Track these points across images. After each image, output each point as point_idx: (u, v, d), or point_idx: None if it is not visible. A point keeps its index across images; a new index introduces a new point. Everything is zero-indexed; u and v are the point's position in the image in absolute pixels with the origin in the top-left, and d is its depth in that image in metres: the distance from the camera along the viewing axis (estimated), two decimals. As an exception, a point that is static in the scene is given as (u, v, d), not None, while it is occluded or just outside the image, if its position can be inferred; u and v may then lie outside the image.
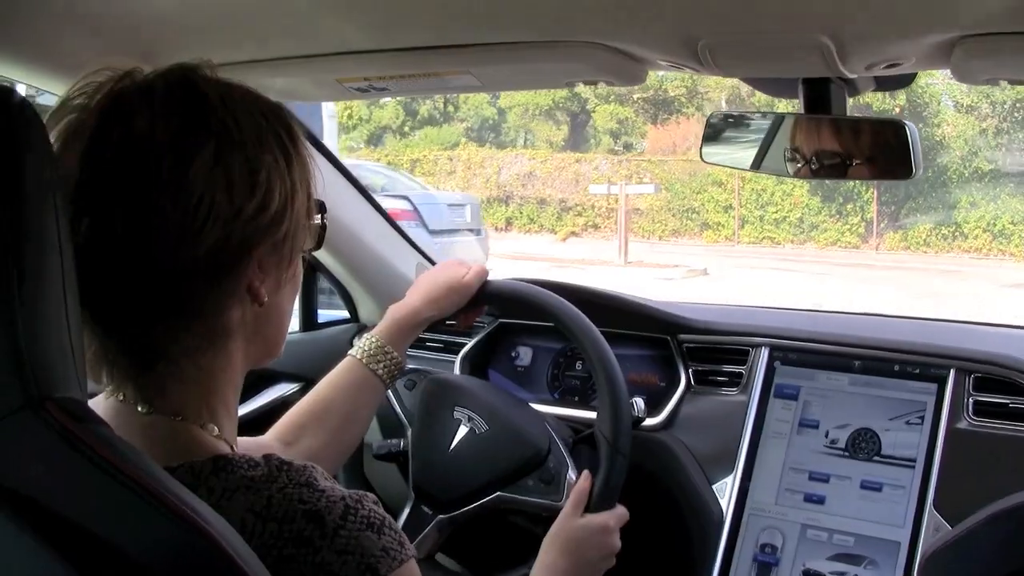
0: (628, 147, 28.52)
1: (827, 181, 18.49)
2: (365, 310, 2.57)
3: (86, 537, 0.86)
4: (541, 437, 1.84)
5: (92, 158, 1.04)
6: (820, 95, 1.56)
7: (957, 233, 22.15)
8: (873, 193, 22.59)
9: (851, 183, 21.09)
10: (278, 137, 1.12)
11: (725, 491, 2.00)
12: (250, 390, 2.34)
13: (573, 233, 24.48)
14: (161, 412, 1.09)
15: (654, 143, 27.43)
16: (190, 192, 1.03)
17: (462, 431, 1.86)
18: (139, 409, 1.09)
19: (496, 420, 1.85)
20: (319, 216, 1.26)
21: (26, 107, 0.92)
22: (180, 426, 1.09)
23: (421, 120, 30.67)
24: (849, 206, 22.99)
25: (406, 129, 30.45)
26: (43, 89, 1.64)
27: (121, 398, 1.10)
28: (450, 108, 30.88)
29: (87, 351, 1.06)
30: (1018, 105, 22.30)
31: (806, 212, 23.26)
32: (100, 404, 1.10)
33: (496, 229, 23.90)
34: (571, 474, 1.80)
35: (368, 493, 1.09)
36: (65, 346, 0.92)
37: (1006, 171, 22.47)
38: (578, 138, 28.99)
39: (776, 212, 23.40)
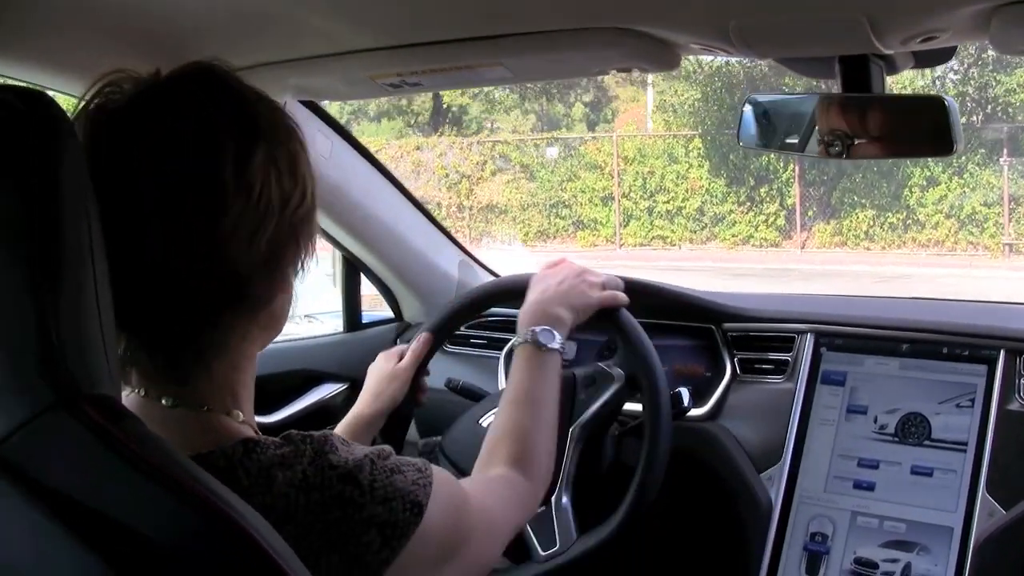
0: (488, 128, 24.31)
1: (731, 157, 18.53)
2: (409, 309, 2.58)
3: (121, 533, 0.86)
4: None
5: (144, 158, 1.05)
6: (858, 74, 1.53)
7: (910, 221, 17.78)
8: (794, 170, 18.30)
9: (764, 159, 18.13)
10: (296, 128, 1.17)
11: (774, 480, 1.98)
12: (296, 391, 2.37)
13: None
14: (187, 405, 1.11)
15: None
16: (252, 189, 1.07)
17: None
18: (163, 403, 1.10)
19: None
20: None
21: (58, 110, 0.93)
22: (207, 416, 1.11)
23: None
24: (763, 190, 18.63)
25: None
26: (63, 92, 1.65)
27: (143, 394, 1.12)
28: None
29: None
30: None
31: (707, 200, 19.05)
32: (123, 400, 1.11)
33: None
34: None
35: (384, 445, 1.16)
36: (98, 344, 0.93)
37: (977, 132, 17.67)
38: (440, 119, 24.59)
39: (668, 202, 19.23)
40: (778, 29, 1.39)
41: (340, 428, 1.84)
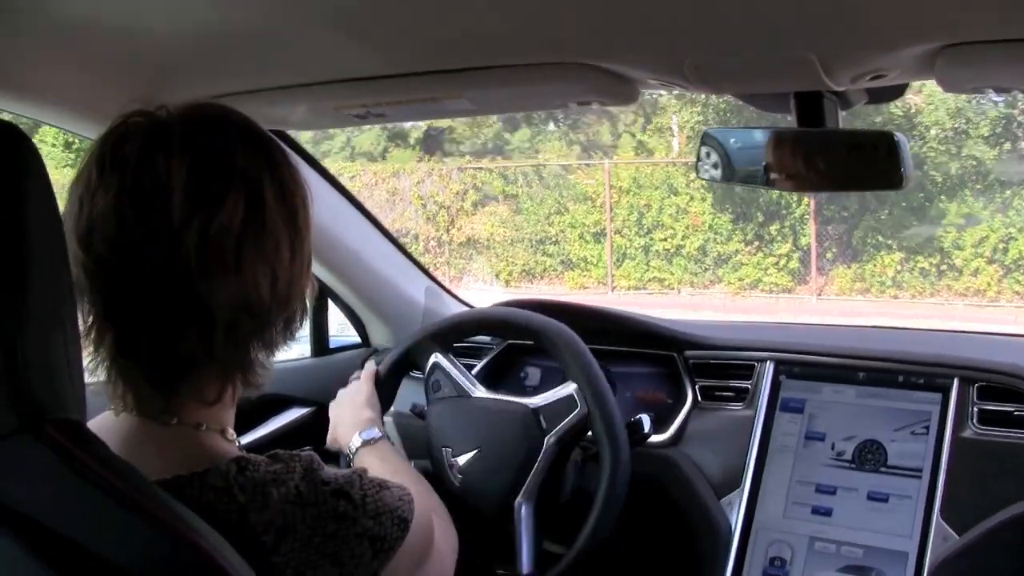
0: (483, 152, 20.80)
1: (738, 190, 15.17)
2: (376, 334, 2.59)
3: (85, 556, 0.87)
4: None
5: (191, 187, 1.08)
6: (812, 109, 1.57)
7: (944, 266, 14.76)
8: (809, 206, 15.69)
9: (774, 193, 14.02)
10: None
11: (733, 505, 2.00)
12: (264, 414, 2.37)
13: None
14: (183, 423, 1.13)
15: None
16: (266, 223, 1.12)
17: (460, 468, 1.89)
18: (158, 423, 1.13)
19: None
20: None
21: (25, 139, 0.94)
22: (203, 435, 1.15)
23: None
24: (774, 227, 15.94)
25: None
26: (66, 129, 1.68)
27: (134, 411, 1.14)
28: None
29: (107, 378, 1.12)
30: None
31: (711, 238, 16.29)
32: (108, 420, 1.13)
33: None
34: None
35: (362, 466, 1.25)
36: (63, 369, 0.94)
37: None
38: (433, 143, 21.69)
39: (666, 240, 16.47)
40: (732, 67, 1.42)
41: None
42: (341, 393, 1.91)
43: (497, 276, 17.78)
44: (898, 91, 1.60)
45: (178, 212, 1.06)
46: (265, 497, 1.07)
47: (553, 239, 17.62)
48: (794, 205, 15.75)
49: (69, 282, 0.96)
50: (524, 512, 1.82)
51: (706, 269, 16.47)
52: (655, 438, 2.06)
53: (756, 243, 16.11)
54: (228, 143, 1.13)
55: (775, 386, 2.08)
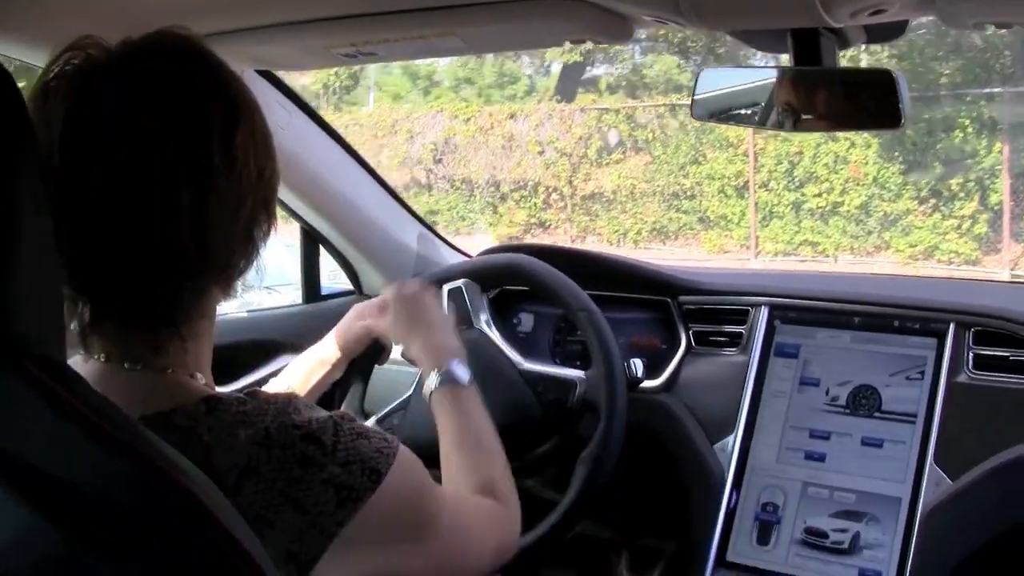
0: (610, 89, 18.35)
1: (910, 133, 12.83)
2: (368, 281, 2.58)
3: (66, 493, 0.86)
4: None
5: (121, 129, 1.05)
6: (809, 47, 1.54)
7: None
8: (1002, 153, 12.59)
9: (956, 138, 12.73)
10: (258, 103, 1.17)
11: (726, 451, 2.00)
12: (255, 362, 2.36)
13: (512, 237, 15.96)
14: (151, 368, 1.12)
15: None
16: (235, 164, 1.09)
17: None
18: (125, 366, 1.11)
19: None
20: None
21: (5, 75, 0.92)
22: (170, 377, 1.13)
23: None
24: (956, 181, 12.86)
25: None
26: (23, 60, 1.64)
27: (103, 359, 1.12)
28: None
29: (72, 321, 1.10)
30: None
31: (876, 194, 13.33)
32: (78, 365, 1.11)
33: None
34: None
35: (345, 411, 1.14)
36: (45, 306, 0.93)
37: None
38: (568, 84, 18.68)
39: (821, 196, 13.59)
40: (729, 1, 1.40)
41: (296, 363, 1.88)
42: (410, 300, 1.76)
43: (624, 235, 15.35)
44: (898, 29, 1.57)
45: (114, 151, 1.04)
46: (232, 438, 1.05)
47: (689, 193, 14.90)
48: (982, 153, 12.83)
49: (50, 221, 0.94)
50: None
51: (869, 232, 13.58)
52: (648, 383, 2.07)
53: (933, 201, 13.15)
54: (174, 83, 1.09)
55: (769, 331, 2.07)
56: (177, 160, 1.05)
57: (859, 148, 13.45)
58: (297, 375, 1.84)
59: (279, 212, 1.28)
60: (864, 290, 2.08)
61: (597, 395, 1.85)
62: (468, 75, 20.10)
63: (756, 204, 14.11)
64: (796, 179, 13.87)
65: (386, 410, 1.96)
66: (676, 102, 15.51)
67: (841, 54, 1.59)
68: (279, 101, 2.10)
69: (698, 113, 1.74)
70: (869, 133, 12.29)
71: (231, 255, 1.13)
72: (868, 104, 1.56)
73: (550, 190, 15.83)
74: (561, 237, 15.40)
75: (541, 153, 15.83)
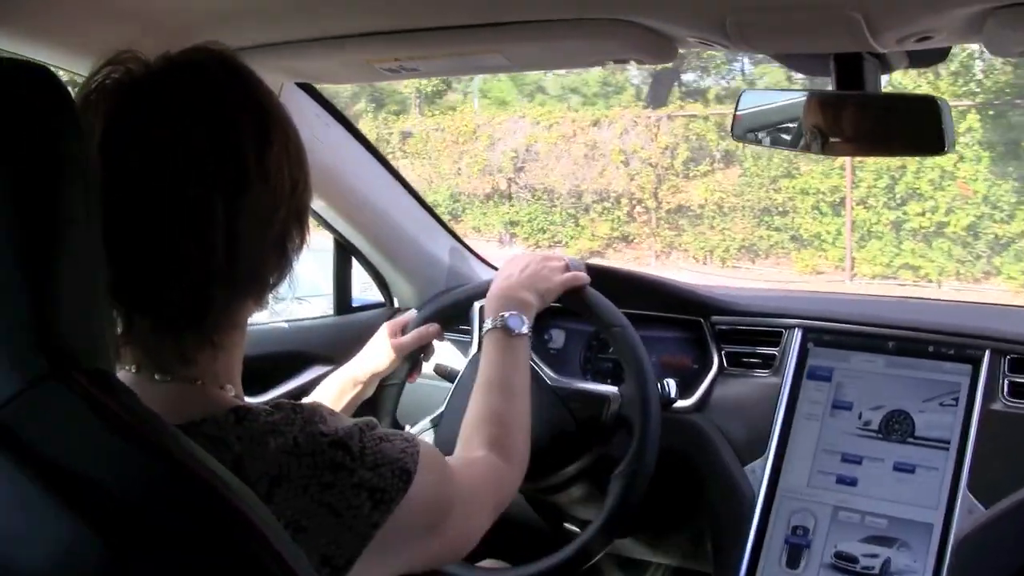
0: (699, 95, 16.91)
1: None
2: (399, 294, 2.58)
3: (112, 503, 0.87)
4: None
5: (156, 142, 1.07)
6: (852, 71, 1.54)
7: None
8: None
9: None
10: (291, 117, 1.20)
11: (757, 473, 1.99)
12: (285, 372, 2.37)
13: (594, 252, 14.72)
14: (182, 380, 1.13)
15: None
16: (269, 175, 1.11)
17: None
18: (156, 377, 1.13)
19: None
20: None
21: (60, 84, 0.94)
22: (200, 389, 1.14)
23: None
24: None
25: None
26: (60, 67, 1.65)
27: (134, 370, 1.14)
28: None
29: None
30: None
31: (987, 214, 11.89)
32: None
33: (500, 241, 15.54)
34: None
35: (369, 418, 1.20)
36: (94, 318, 0.94)
37: None
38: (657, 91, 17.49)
39: (925, 215, 12.12)
40: (775, 25, 1.40)
41: (328, 382, 1.89)
42: (520, 258, 1.87)
43: (711, 252, 14.16)
44: (941, 55, 1.58)
45: (149, 162, 1.07)
46: (262, 447, 1.07)
47: (781, 208, 13.61)
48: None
49: (99, 231, 0.95)
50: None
51: (978, 257, 12.07)
52: (680, 403, 2.06)
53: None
54: (209, 97, 1.11)
55: (803, 353, 2.06)
56: (212, 172, 1.07)
57: (968, 163, 12.00)
58: (329, 393, 1.86)
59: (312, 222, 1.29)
60: (899, 315, 2.07)
61: (631, 411, 1.84)
62: (573, 84, 19.22)
63: (853, 222, 12.83)
64: (897, 196, 12.44)
65: (418, 426, 1.97)
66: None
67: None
68: (317, 114, 2.10)
69: (738, 133, 1.74)
70: (980, 145, 11.85)
71: (263, 266, 1.15)
72: (911, 130, 1.56)
73: (634, 202, 14.76)
74: (644, 253, 14.63)
75: (625, 163, 14.76)
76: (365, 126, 16.69)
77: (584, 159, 15.05)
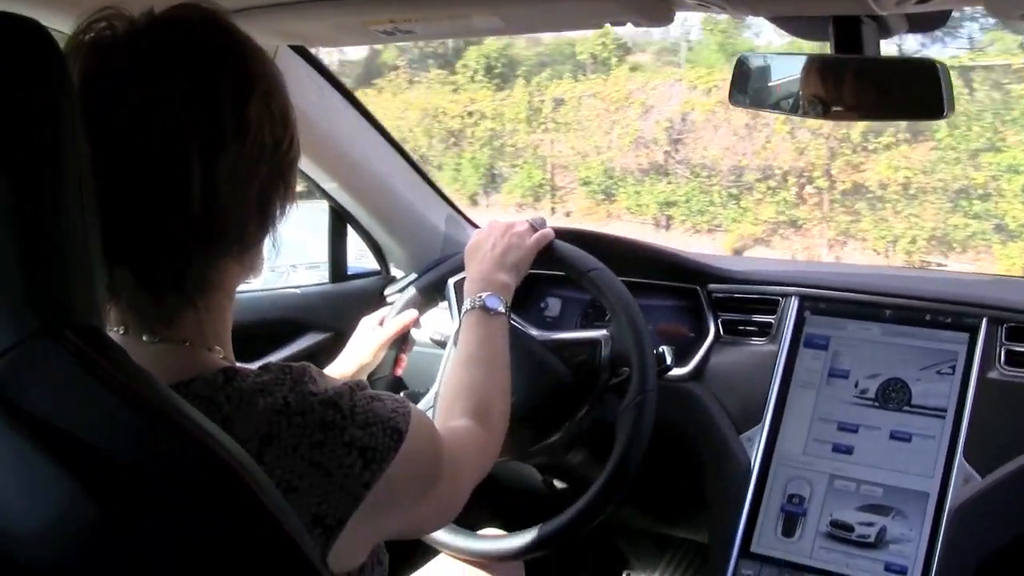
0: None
1: None
2: (395, 262, 2.57)
3: (102, 460, 0.87)
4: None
5: (140, 97, 1.06)
6: (851, 35, 1.53)
7: None
8: None
9: None
10: (282, 77, 1.19)
11: (753, 441, 1.99)
12: (280, 339, 2.36)
13: (758, 239, 12.46)
14: (169, 340, 1.13)
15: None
16: (248, 132, 1.10)
17: None
18: (143, 339, 1.13)
19: None
20: None
21: (51, 40, 0.93)
22: (188, 350, 1.14)
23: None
24: None
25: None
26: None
27: (122, 331, 1.14)
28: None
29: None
30: None
31: None
32: None
33: (656, 224, 13.45)
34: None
35: (359, 379, 1.20)
36: (87, 275, 0.94)
37: None
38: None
39: None
40: (773, -15, 1.39)
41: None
42: (486, 234, 1.86)
43: (894, 243, 11.35)
44: (941, 19, 1.56)
45: (125, 118, 1.06)
46: (251, 406, 1.07)
47: (981, 191, 10.61)
48: None
49: (90, 191, 0.94)
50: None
51: None
52: (676, 371, 2.05)
53: None
54: (189, 54, 1.10)
55: (799, 322, 2.05)
56: (190, 127, 1.07)
57: None
58: None
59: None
60: (895, 283, 2.06)
61: (624, 347, 1.84)
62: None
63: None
64: None
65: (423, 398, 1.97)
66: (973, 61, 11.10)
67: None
68: (311, 77, 2.09)
69: (735, 99, 1.73)
70: None
71: (243, 225, 1.14)
72: (910, 94, 1.54)
73: (803, 180, 12.16)
74: (815, 241, 12.05)
75: (791, 134, 12.11)
76: (517, 92, 15.72)
77: (745, 129, 12.51)
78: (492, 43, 17.59)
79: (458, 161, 16.46)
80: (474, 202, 16.35)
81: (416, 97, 17.71)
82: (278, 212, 1.18)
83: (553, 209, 14.83)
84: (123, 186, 1.05)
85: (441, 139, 16.97)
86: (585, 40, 16.39)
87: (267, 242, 1.21)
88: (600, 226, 13.42)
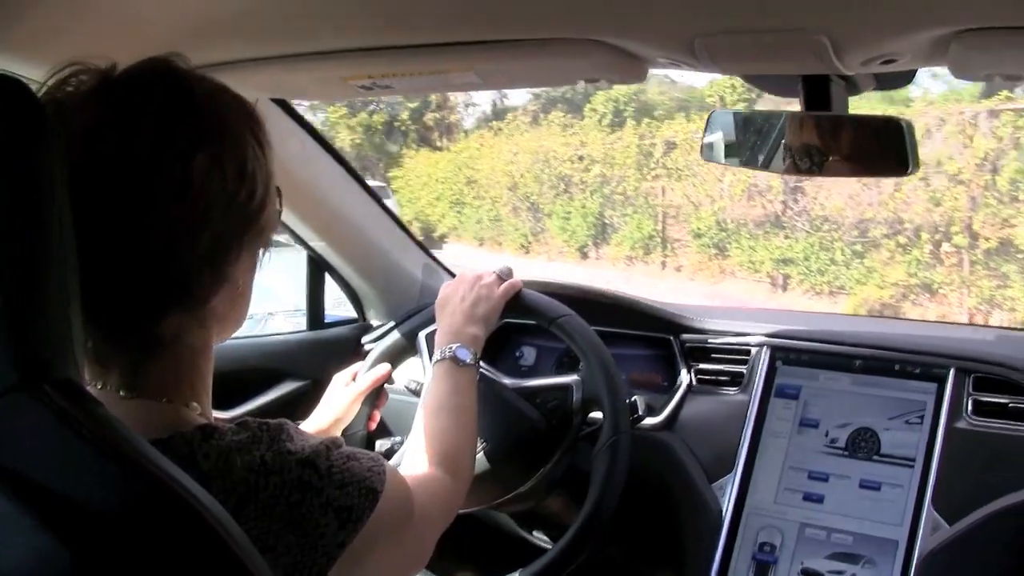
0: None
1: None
2: (372, 310, 2.59)
3: (79, 514, 0.87)
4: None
5: (91, 153, 1.07)
6: (819, 92, 1.57)
7: None
8: None
9: None
10: (253, 129, 1.18)
11: (725, 490, 2.00)
12: (257, 387, 2.37)
13: (885, 304, 11.13)
14: (145, 396, 1.13)
15: None
16: (190, 188, 1.09)
17: None
18: (120, 394, 1.13)
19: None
20: (278, 202, 1.28)
21: (35, 100, 0.94)
22: (166, 407, 1.14)
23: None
24: None
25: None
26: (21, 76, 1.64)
27: (100, 386, 1.14)
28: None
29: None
30: None
31: None
32: None
33: (772, 283, 12.62)
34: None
35: (336, 436, 1.22)
36: (65, 330, 0.94)
37: None
38: None
39: None
40: (742, 47, 1.42)
41: None
42: (455, 287, 1.87)
43: None
44: (907, 77, 1.60)
45: (78, 174, 1.04)
46: (228, 465, 1.07)
47: None
48: None
49: (72, 246, 0.96)
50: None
51: None
52: (648, 421, 2.08)
53: None
54: (147, 108, 1.11)
55: (770, 371, 2.08)
56: (145, 182, 1.07)
57: None
58: None
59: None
60: (865, 333, 2.09)
61: (596, 390, 1.85)
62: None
63: None
64: None
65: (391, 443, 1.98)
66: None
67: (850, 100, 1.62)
68: (292, 130, 2.11)
69: (707, 155, 1.77)
70: None
71: (193, 283, 1.13)
72: (877, 150, 1.58)
73: (939, 237, 10.57)
74: (953, 309, 10.36)
75: (925, 181, 10.56)
76: (626, 134, 15.03)
77: (872, 181, 10.98)
78: (621, 88, 16.99)
79: (567, 209, 15.99)
80: (583, 255, 15.92)
81: (526, 142, 17.48)
82: (234, 268, 1.17)
83: (664, 263, 13.95)
84: (84, 238, 1.03)
85: (551, 185, 16.60)
86: (715, 83, 15.92)
87: (230, 296, 1.19)
88: (713, 284, 12.63)
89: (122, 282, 1.09)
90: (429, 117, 29.73)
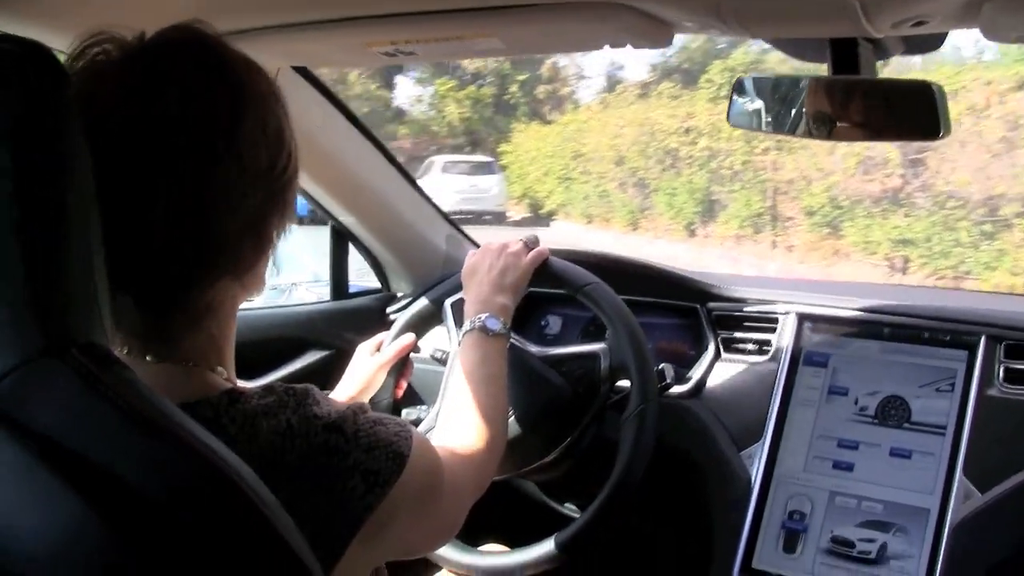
0: None
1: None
2: (396, 280, 2.59)
3: (107, 478, 0.87)
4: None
5: (140, 120, 1.06)
6: (847, 56, 1.55)
7: None
8: None
9: None
10: (277, 95, 1.18)
11: (754, 458, 1.99)
12: (282, 357, 2.37)
13: (1015, 291, 8.33)
14: (172, 360, 1.13)
15: None
16: (241, 156, 1.09)
17: None
18: (148, 359, 1.13)
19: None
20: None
21: (56, 63, 0.94)
22: (192, 371, 1.14)
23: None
24: None
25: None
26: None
27: (126, 352, 1.14)
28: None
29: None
30: None
31: None
32: None
33: (890, 266, 11.62)
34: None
35: (361, 402, 1.21)
36: (92, 295, 0.94)
37: None
38: None
39: None
40: (769, 9, 1.40)
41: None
42: (482, 257, 1.86)
43: None
44: (936, 41, 1.58)
45: (119, 143, 1.05)
46: (254, 429, 1.07)
47: None
48: None
49: (97, 211, 0.95)
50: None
51: None
52: (676, 389, 2.07)
53: None
54: (180, 75, 1.10)
55: (799, 339, 2.06)
56: (181, 149, 1.07)
57: None
58: None
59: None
60: (894, 301, 2.07)
61: (623, 358, 1.84)
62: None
63: None
64: None
65: (417, 412, 1.98)
66: None
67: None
68: (314, 99, 2.10)
69: (734, 120, 1.75)
70: None
71: (236, 246, 1.13)
72: (907, 114, 1.56)
73: None
74: None
75: None
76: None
77: (1002, 144, 9.92)
78: (740, 56, 16.52)
79: (673, 185, 15.39)
80: (691, 232, 15.20)
81: (632, 114, 16.96)
82: (275, 233, 1.18)
83: (774, 243, 13.08)
84: (119, 208, 1.05)
85: (658, 159, 16.04)
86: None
87: (267, 261, 1.20)
88: (825, 266, 11.32)
89: (170, 251, 1.08)
90: (540, 90, 29.43)
